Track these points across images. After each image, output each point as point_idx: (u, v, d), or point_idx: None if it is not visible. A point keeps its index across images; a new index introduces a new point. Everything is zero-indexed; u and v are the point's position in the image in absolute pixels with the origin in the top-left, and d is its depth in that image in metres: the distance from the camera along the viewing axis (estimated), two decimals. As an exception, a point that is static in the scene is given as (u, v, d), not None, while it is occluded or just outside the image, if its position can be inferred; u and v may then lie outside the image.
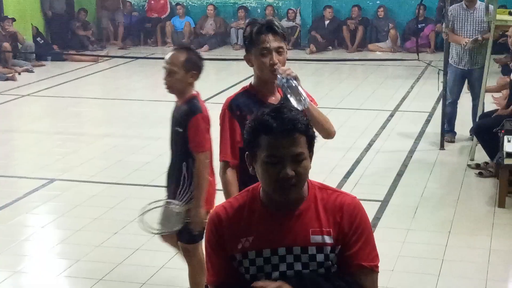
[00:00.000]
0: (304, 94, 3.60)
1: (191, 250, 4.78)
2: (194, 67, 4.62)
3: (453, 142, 8.98)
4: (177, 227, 4.62)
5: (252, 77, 3.93)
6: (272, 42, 3.70)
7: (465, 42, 8.72)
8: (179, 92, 4.67)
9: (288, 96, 3.57)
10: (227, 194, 3.90)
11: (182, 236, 4.72)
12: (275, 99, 3.83)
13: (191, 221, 4.57)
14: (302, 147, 2.49)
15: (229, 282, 2.60)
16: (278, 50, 3.72)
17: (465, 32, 8.82)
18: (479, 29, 8.79)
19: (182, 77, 4.59)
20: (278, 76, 3.64)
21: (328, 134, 3.89)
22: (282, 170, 2.46)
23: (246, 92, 3.90)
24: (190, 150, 4.56)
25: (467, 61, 8.85)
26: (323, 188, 2.66)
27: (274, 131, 2.46)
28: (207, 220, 2.70)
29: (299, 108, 3.41)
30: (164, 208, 4.66)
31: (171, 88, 4.66)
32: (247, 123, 2.58)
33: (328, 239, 2.56)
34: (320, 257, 2.55)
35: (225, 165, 3.89)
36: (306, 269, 2.54)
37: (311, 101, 3.79)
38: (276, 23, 3.76)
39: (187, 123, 4.54)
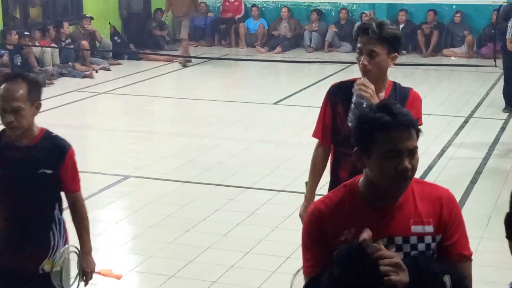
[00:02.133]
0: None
1: None
2: (37, 96, 3.82)
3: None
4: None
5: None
6: (365, 44, 3.81)
7: None
8: (26, 129, 3.78)
9: (352, 108, 3.76)
10: (311, 168, 4.19)
11: None
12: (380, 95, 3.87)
13: (87, 270, 4.03)
14: (415, 141, 2.61)
15: None
16: (371, 54, 3.81)
17: None
18: None
19: (28, 112, 3.74)
20: (353, 90, 3.79)
21: None
22: (401, 163, 2.57)
23: (350, 82, 3.95)
24: (67, 191, 3.93)
25: None
26: (418, 181, 2.77)
27: (392, 126, 2.55)
28: (307, 215, 2.75)
29: (348, 124, 3.70)
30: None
31: (17, 128, 3.74)
32: (355, 121, 2.67)
33: (428, 229, 2.68)
34: (421, 246, 2.67)
35: (317, 143, 4.16)
36: (408, 258, 2.61)
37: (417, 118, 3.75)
38: (373, 26, 3.80)
39: (59, 161, 3.83)
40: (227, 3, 17.93)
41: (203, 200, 7.22)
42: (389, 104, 2.63)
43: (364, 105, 3.65)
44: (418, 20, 16.81)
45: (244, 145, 9.22)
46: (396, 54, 3.92)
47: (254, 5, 17.71)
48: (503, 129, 9.85)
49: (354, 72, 16.28)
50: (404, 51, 16.51)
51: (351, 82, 3.93)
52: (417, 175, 8.31)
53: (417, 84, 13.22)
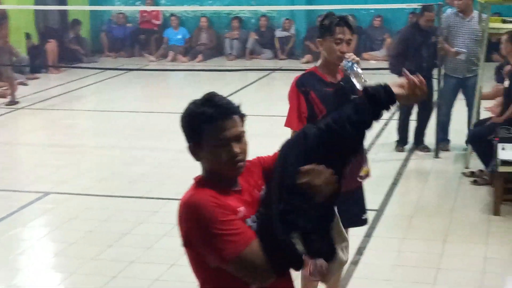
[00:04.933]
0: (363, 76, 4.21)
1: None
2: None
3: (447, 150, 9.00)
4: None
5: (319, 61, 4.58)
6: (346, 34, 4.42)
7: (454, 52, 8.73)
8: None
9: (351, 78, 4.17)
10: None
11: None
12: (334, 79, 4.50)
13: None
14: (240, 126, 2.76)
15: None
16: (348, 42, 4.44)
17: (460, 41, 8.81)
18: (474, 39, 8.76)
19: None
20: (344, 61, 4.26)
21: None
22: (230, 150, 2.71)
23: (311, 72, 4.56)
24: None
25: (462, 69, 8.86)
26: None
27: (215, 117, 2.70)
28: (202, 205, 2.69)
29: (359, 87, 4.06)
30: None
31: None
32: (185, 116, 2.78)
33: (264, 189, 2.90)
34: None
35: (292, 131, 4.45)
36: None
37: None
38: (350, 18, 4.47)
39: None
40: (145, 14, 17.80)
41: (126, 214, 7.11)
42: (212, 96, 2.77)
43: (359, 70, 4.16)
44: (337, 25, 17.01)
45: (168, 155, 9.13)
46: None
47: (173, 15, 17.63)
48: (422, 130, 10.01)
49: (276, 79, 16.41)
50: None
51: (312, 72, 4.55)
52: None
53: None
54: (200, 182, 2.80)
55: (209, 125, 2.70)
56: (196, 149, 2.77)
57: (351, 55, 4.29)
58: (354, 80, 4.13)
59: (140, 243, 6.34)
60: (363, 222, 5.00)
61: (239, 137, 2.74)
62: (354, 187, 4.83)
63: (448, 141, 9.10)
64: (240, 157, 2.74)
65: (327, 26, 4.44)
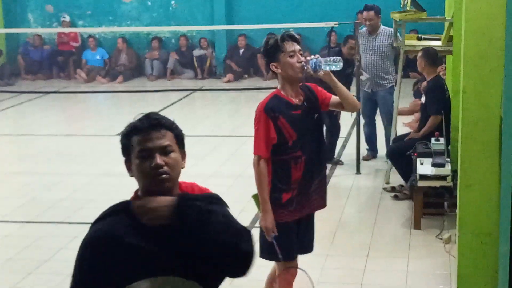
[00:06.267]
0: (331, 59, 4.49)
1: None
2: None
3: (369, 159, 9.31)
4: None
5: (278, 84, 4.63)
6: (295, 46, 4.51)
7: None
8: None
9: (327, 68, 4.44)
10: (260, 182, 4.52)
11: None
12: (298, 100, 4.55)
13: None
14: (169, 140, 2.73)
15: None
16: (300, 52, 4.53)
17: (367, 57, 9.05)
18: (380, 54, 9.00)
19: None
20: (310, 62, 4.46)
21: (354, 106, 4.70)
22: (153, 160, 2.68)
23: (276, 96, 4.55)
24: None
25: (369, 84, 9.11)
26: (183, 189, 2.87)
27: (141, 128, 2.72)
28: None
29: (336, 68, 4.44)
30: None
31: None
32: (122, 132, 2.79)
33: None
34: None
35: (259, 158, 4.50)
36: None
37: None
38: (291, 32, 4.59)
39: None
40: (62, 35, 17.53)
41: (46, 240, 6.94)
42: (148, 113, 2.78)
43: (323, 60, 4.47)
44: (257, 44, 17.09)
45: (88, 179, 8.98)
46: None
47: (91, 36, 17.42)
48: (344, 146, 10.14)
49: (197, 99, 16.26)
50: (245, 75, 16.76)
51: (276, 96, 4.53)
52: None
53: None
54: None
55: (136, 136, 2.71)
56: (128, 164, 2.77)
57: (309, 58, 4.50)
58: (332, 67, 4.43)
59: (61, 270, 6.19)
60: (311, 248, 5.13)
61: (165, 150, 2.71)
62: (315, 210, 4.89)
63: (374, 151, 9.37)
64: (163, 169, 2.68)
65: (274, 45, 4.51)
